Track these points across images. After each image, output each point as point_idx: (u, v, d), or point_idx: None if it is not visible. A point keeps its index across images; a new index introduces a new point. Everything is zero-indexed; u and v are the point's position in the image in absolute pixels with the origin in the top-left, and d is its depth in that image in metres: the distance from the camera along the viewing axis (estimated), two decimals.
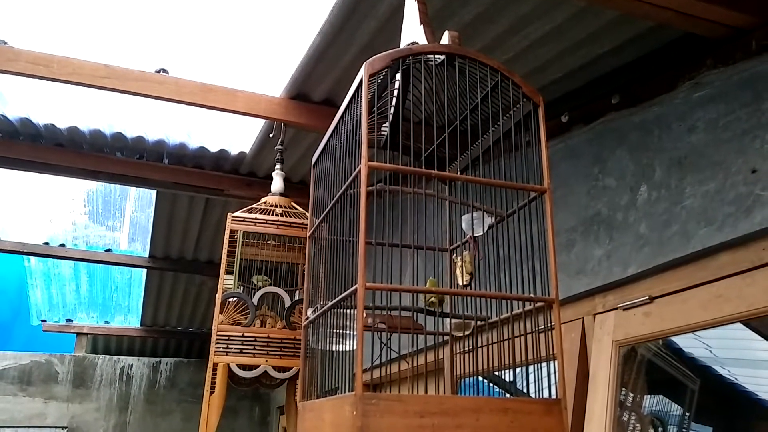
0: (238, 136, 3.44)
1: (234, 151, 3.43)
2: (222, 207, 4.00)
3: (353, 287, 1.00)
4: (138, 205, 6.16)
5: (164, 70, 2.49)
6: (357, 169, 1.07)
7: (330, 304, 1.13)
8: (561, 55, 2.15)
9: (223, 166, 3.54)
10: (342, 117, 1.24)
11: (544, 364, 1.12)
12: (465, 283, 1.26)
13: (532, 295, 1.10)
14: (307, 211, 2.65)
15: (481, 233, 1.25)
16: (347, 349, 1.14)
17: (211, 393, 2.30)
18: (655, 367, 2.07)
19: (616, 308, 2.08)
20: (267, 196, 2.75)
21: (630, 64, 2.14)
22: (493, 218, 1.24)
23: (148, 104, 2.82)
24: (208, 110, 2.60)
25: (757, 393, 1.87)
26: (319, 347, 1.24)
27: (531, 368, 1.13)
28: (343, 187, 1.15)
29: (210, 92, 2.53)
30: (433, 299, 1.24)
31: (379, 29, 2.13)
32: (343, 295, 1.06)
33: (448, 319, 1.32)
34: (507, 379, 1.31)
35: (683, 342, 1.99)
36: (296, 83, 2.55)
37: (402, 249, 1.15)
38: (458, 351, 1.35)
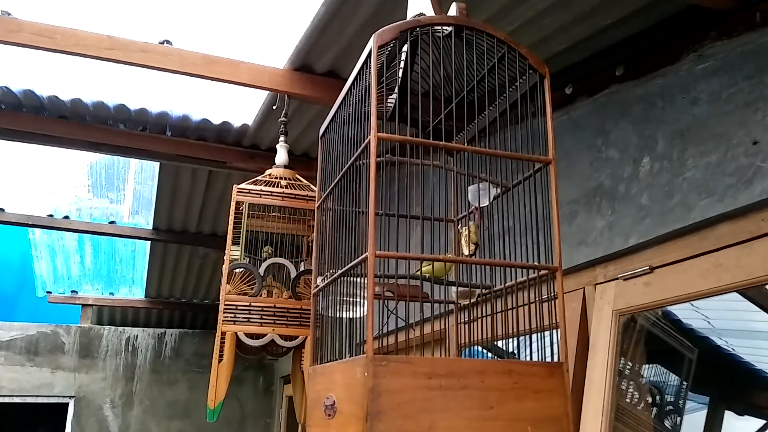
0: (240, 108, 3.44)
1: (237, 123, 3.43)
2: (225, 179, 4.01)
3: (363, 255, 1.03)
4: (141, 177, 6.17)
5: (168, 42, 2.48)
6: (366, 140, 1.09)
7: (340, 271, 1.16)
8: (565, 26, 2.14)
9: (226, 138, 3.54)
10: (350, 88, 1.25)
11: (545, 334, 1.16)
12: (470, 253, 1.28)
13: (536, 263, 1.13)
14: (312, 184, 2.68)
15: (487, 204, 1.28)
16: (357, 316, 1.17)
17: (220, 361, 2.35)
18: (653, 337, 2.11)
19: (617, 278, 2.11)
20: (271, 168, 2.77)
21: (634, 36, 2.14)
22: (499, 189, 1.26)
23: (151, 76, 2.81)
24: (211, 82, 2.60)
25: (754, 363, 1.91)
26: (329, 314, 1.27)
27: (533, 337, 1.17)
28: (352, 158, 1.17)
29: (213, 64, 2.52)
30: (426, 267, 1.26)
31: (384, 0, 2.12)
32: (354, 263, 1.08)
33: (453, 288, 1.35)
34: (508, 350, 1.35)
35: (681, 312, 2.03)
36: (300, 54, 2.55)
37: (409, 219, 1.17)
38: (463, 320, 1.39)
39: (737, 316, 1.94)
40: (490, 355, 1.48)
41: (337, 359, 1.21)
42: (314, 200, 2.59)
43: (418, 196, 1.32)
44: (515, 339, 1.19)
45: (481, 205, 1.28)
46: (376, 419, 0.92)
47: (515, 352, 1.22)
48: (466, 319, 1.37)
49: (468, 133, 1.29)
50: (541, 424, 1.00)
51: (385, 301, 1.25)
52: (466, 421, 0.96)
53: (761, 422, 1.84)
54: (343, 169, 1.23)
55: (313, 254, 1.43)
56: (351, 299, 1.17)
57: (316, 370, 1.23)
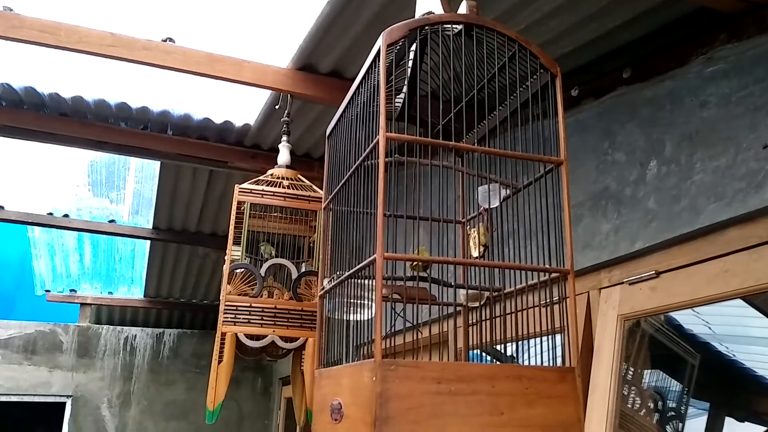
0: (242, 107, 3.42)
1: (239, 122, 3.41)
2: (226, 179, 3.99)
3: (372, 257, 1.00)
4: (141, 176, 6.15)
5: (171, 40, 2.46)
6: (375, 140, 1.07)
7: (347, 273, 1.14)
8: (572, 28, 2.13)
9: (228, 137, 3.52)
10: (358, 87, 1.23)
11: (549, 337, 1.14)
12: (479, 254, 1.26)
13: (547, 266, 1.11)
14: (314, 184, 2.66)
15: (497, 205, 1.25)
16: (364, 318, 1.15)
17: (220, 362, 2.32)
18: (656, 343, 2.10)
19: (622, 283, 2.09)
20: (273, 168, 2.75)
21: (642, 38, 2.12)
22: (509, 190, 1.24)
23: (152, 74, 2.80)
24: (212, 81, 2.58)
25: (755, 369, 1.89)
26: (336, 317, 1.25)
27: (537, 341, 1.15)
28: (360, 159, 1.15)
29: (217, 62, 2.50)
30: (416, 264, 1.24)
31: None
32: (362, 265, 1.06)
33: (461, 291, 1.33)
34: (509, 353, 1.33)
35: (684, 318, 2.01)
36: (304, 54, 2.53)
37: (418, 221, 1.15)
38: (470, 322, 1.37)
39: (739, 322, 1.93)
40: (489, 359, 1.46)
41: (342, 362, 1.19)
42: (316, 201, 2.57)
43: (427, 197, 1.29)
44: (521, 342, 1.17)
45: (491, 207, 1.26)
46: (385, 424, 0.90)
47: (514, 356, 1.19)
48: (473, 321, 1.35)
49: (477, 133, 1.27)
50: (552, 431, 0.98)
51: (393, 303, 1.23)
52: (477, 427, 0.94)
53: (762, 429, 1.82)
54: (351, 170, 1.20)
55: (321, 255, 1.41)
56: (358, 301, 1.14)
57: (323, 373, 1.21)
